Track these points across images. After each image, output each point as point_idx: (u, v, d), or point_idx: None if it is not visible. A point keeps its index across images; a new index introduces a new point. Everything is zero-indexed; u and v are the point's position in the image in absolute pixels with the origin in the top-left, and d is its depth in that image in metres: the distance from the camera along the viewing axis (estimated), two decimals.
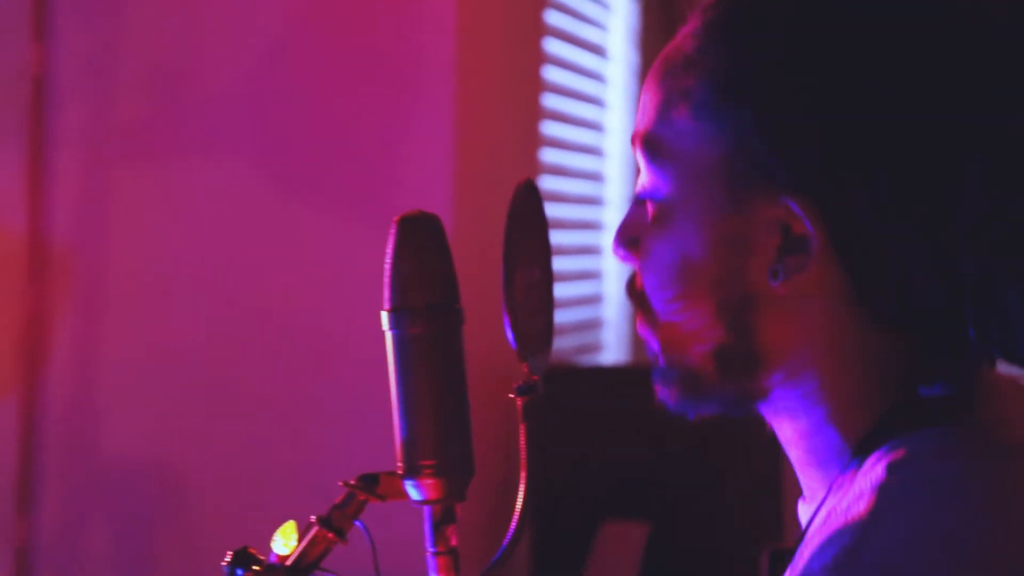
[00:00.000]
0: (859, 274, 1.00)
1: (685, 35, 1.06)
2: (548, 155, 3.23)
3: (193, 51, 2.64)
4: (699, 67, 1.04)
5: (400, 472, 1.08)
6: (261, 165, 2.62)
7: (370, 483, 1.09)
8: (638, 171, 1.09)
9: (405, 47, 2.58)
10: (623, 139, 3.87)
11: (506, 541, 1.08)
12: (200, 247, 2.64)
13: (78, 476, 2.66)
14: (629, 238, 1.09)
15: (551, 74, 3.23)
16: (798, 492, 2.80)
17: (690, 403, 1.08)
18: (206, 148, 2.63)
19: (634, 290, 1.09)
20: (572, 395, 2.76)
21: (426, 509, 1.09)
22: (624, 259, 1.10)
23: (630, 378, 3.08)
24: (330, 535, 1.09)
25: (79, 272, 2.66)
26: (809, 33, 1.01)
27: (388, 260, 1.08)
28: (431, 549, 1.09)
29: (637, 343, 3.90)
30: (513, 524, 1.07)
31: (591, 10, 3.61)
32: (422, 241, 1.08)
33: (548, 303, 1.10)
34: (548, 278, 1.10)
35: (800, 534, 1.05)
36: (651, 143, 1.06)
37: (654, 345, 1.08)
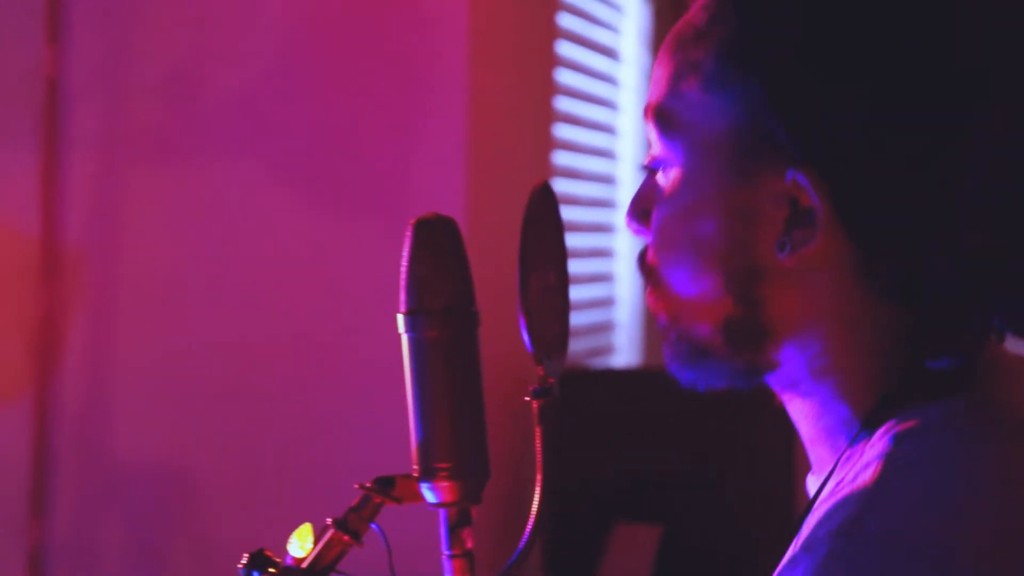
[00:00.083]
0: (865, 247, 1.00)
1: (697, 8, 1.07)
2: (560, 158, 3.23)
3: (205, 54, 2.64)
4: (709, 39, 1.04)
5: (416, 475, 1.08)
6: (274, 168, 2.62)
7: (386, 486, 1.09)
8: (650, 145, 1.10)
9: (418, 50, 2.58)
10: (635, 142, 3.87)
11: (522, 544, 1.07)
12: (212, 249, 2.64)
13: (91, 478, 2.67)
14: (641, 211, 1.10)
15: (563, 77, 3.23)
16: (800, 516, 2.78)
17: (700, 376, 1.09)
18: (219, 150, 2.63)
19: (644, 263, 1.10)
20: (584, 398, 2.76)
21: (442, 512, 1.09)
22: (636, 232, 1.11)
23: (642, 381, 3.09)
24: (346, 537, 1.09)
25: (92, 274, 2.66)
26: (818, 6, 1.01)
27: (404, 263, 1.08)
28: (447, 552, 1.09)
29: (649, 346, 3.90)
30: (529, 527, 1.07)
31: (603, 13, 3.61)
32: (438, 244, 1.08)
33: (564, 306, 1.10)
34: (564, 281, 1.10)
35: (807, 505, 1.05)
36: (662, 115, 1.07)
37: (663, 318, 1.09)
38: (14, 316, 2.65)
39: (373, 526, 1.10)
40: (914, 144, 0.98)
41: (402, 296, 1.08)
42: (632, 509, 2.78)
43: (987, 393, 1.02)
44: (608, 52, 3.67)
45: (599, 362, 3.61)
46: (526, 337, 1.07)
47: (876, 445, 0.98)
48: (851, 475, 0.98)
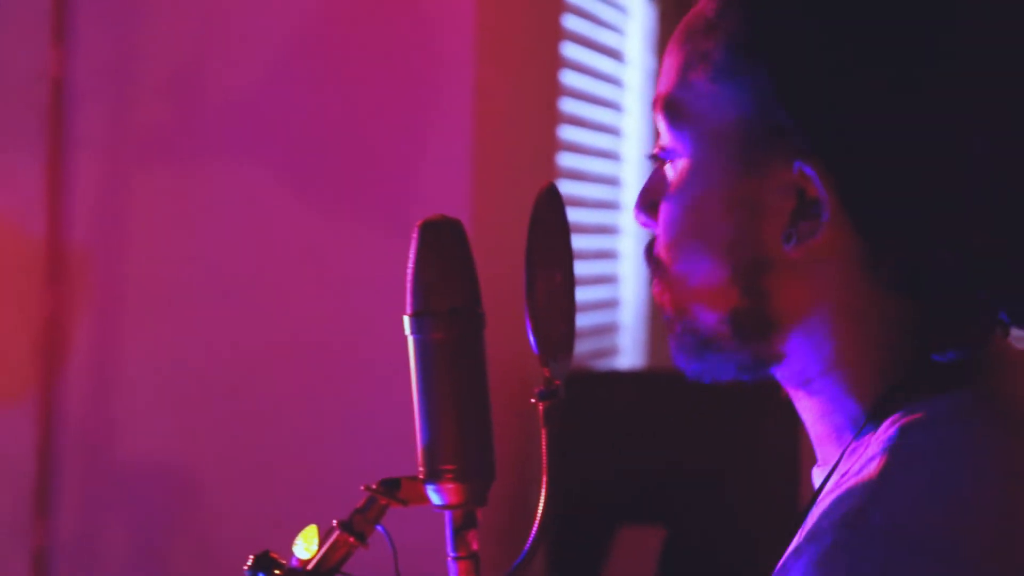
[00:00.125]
0: (872, 239, 1.01)
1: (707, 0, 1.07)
2: (565, 159, 3.23)
3: (211, 55, 2.64)
4: (718, 30, 1.05)
5: (421, 476, 1.08)
6: (279, 169, 2.62)
7: (391, 488, 1.09)
8: (658, 135, 1.10)
9: (423, 52, 2.58)
10: (640, 144, 3.87)
11: (527, 546, 1.07)
12: (217, 251, 2.64)
13: (96, 479, 2.67)
14: (649, 202, 1.10)
15: (568, 78, 3.23)
16: (805, 508, 2.78)
17: (705, 368, 1.09)
18: (224, 151, 2.63)
19: (652, 254, 1.10)
20: (588, 399, 2.76)
21: (447, 514, 1.08)
22: (644, 224, 1.11)
23: (646, 383, 3.09)
24: (351, 539, 1.09)
25: (97, 275, 2.66)
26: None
27: (410, 265, 1.08)
28: (452, 554, 1.09)
29: (653, 348, 3.90)
30: (534, 529, 1.07)
31: (608, 14, 3.61)
32: (444, 246, 1.08)
33: (570, 308, 1.10)
34: (570, 282, 1.10)
35: (812, 496, 1.05)
36: (670, 105, 1.07)
37: (669, 310, 1.09)
38: (19, 317, 2.65)
39: (379, 528, 1.10)
40: (922, 137, 0.99)
41: (408, 298, 1.08)
42: (636, 511, 2.78)
43: (992, 386, 1.02)
44: (613, 54, 3.67)
45: (603, 364, 3.61)
46: (532, 339, 1.07)
47: (882, 437, 0.99)
48: (856, 467, 0.98)
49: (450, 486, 1.07)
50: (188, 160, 2.65)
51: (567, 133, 3.23)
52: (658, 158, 1.10)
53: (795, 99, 1.01)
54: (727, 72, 1.04)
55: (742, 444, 2.76)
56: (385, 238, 2.56)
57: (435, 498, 1.08)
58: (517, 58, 2.84)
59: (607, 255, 3.69)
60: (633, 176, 3.84)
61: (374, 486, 1.10)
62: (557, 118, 3.13)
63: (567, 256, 1.10)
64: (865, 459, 0.98)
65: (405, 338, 1.09)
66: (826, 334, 1.04)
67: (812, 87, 1.00)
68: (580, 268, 3.38)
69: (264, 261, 2.63)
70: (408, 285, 1.08)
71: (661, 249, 1.08)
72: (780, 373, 1.08)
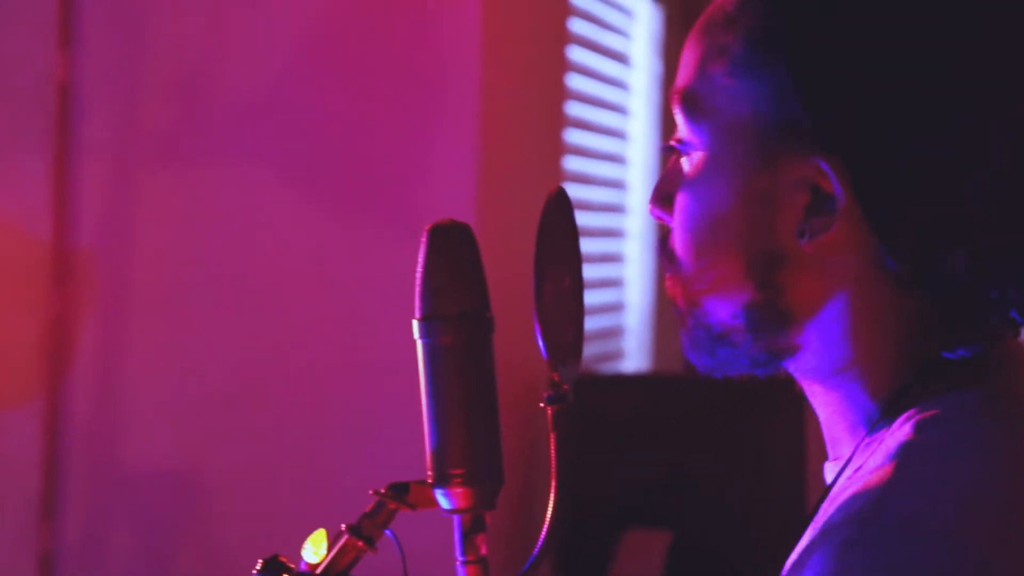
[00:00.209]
0: (885, 236, 1.01)
1: None
2: (571, 163, 3.23)
3: (217, 58, 2.64)
4: (738, 24, 1.05)
5: (430, 480, 1.08)
6: (285, 172, 2.62)
7: (400, 492, 1.09)
8: (674, 127, 1.10)
9: (429, 55, 2.58)
10: (646, 147, 3.87)
11: (536, 550, 1.07)
12: (223, 253, 2.64)
13: (102, 482, 2.67)
14: (664, 195, 1.11)
15: (575, 82, 3.23)
16: (816, 502, 2.76)
17: (717, 363, 1.09)
18: (229, 155, 2.63)
19: (667, 248, 1.10)
20: (594, 403, 2.75)
21: (456, 518, 1.08)
22: (658, 217, 1.11)
23: (652, 386, 3.09)
24: (360, 544, 1.09)
25: (103, 278, 2.66)
26: None
27: (419, 269, 1.08)
28: (461, 558, 1.08)
29: (659, 351, 3.90)
30: (543, 533, 1.07)
31: (615, 18, 3.61)
32: (453, 250, 1.08)
33: (578, 312, 1.09)
34: (578, 286, 1.10)
35: (824, 491, 1.05)
36: (688, 98, 1.08)
37: (682, 304, 1.09)
38: (25, 319, 2.65)
39: (387, 532, 1.10)
40: (939, 136, 0.99)
41: (417, 302, 1.08)
42: (641, 514, 2.78)
43: (1003, 385, 1.03)
44: (619, 57, 3.67)
45: (609, 367, 3.61)
46: (541, 343, 1.07)
47: (896, 433, 0.99)
48: (871, 462, 0.98)
49: (459, 490, 1.07)
50: (194, 163, 2.65)
51: (573, 136, 3.23)
52: (674, 150, 1.10)
53: (812, 94, 1.01)
54: (745, 66, 1.04)
55: (748, 447, 2.76)
56: (391, 241, 2.56)
57: (444, 502, 1.08)
58: (523, 62, 2.84)
59: (613, 259, 3.69)
60: (639, 179, 3.84)
61: (383, 490, 1.10)
62: (563, 121, 3.13)
63: (576, 260, 1.10)
64: (880, 455, 0.98)
65: (412, 341, 1.09)
66: (840, 329, 1.04)
67: (829, 83, 1.01)
68: (586, 271, 3.37)
69: (270, 264, 2.63)
70: (417, 289, 1.08)
71: (676, 242, 1.09)
72: (793, 367, 1.08)
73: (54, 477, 2.66)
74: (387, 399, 2.55)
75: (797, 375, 1.09)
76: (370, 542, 1.09)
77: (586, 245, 3.48)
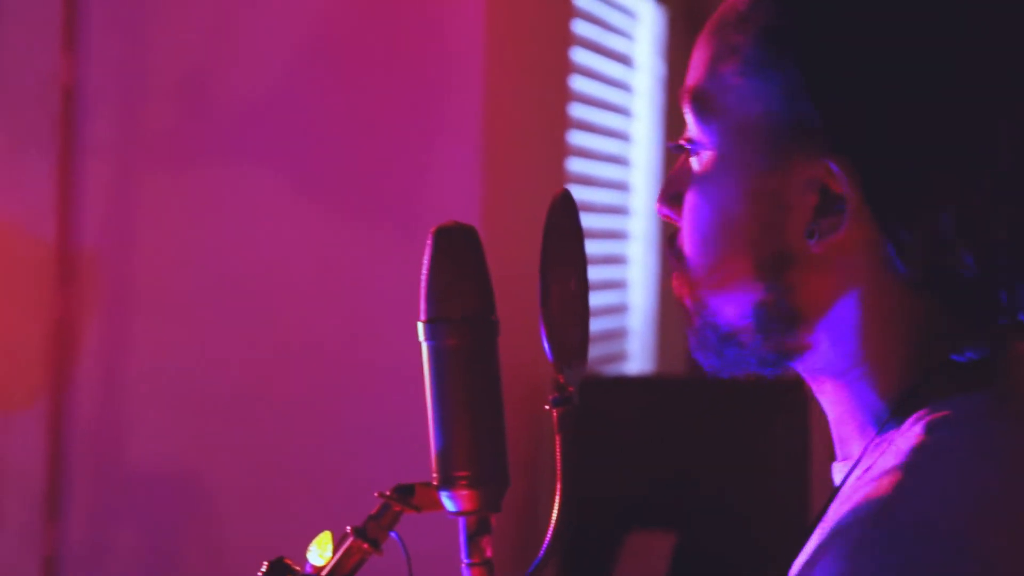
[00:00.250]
0: (894, 238, 1.01)
1: None
2: (575, 165, 3.23)
3: (221, 60, 2.64)
4: (749, 24, 1.05)
5: (435, 483, 1.08)
6: (289, 175, 2.62)
7: (405, 494, 1.09)
8: (684, 127, 1.10)
9: (433, 57, 2.58)
10: (649, 149, 3.87)
11: (541, 553, 1.07)
12: (227, 254, 2.64)
13: (106, 483, 2.67)
14: (672, 194, 1.11)
15: (578, 84, 3.24)
16: (824, 501, 2.75)
17: (724, 363, 1.09)
18: (233, 156, 2.64)
19: (675, 246, 1.10)
20: (598, 405, 2.75)
21: (461, 520, 1.08)
22: (665, 216, 1.11)
23: (655, 388, 3.09)
24: (365, 546, 1.09)
25: (107, 279, 2.66)
26: None
27: (424, 271, 1.08)
28: (466, 560, 1.08)
29: (662, 353, 3.89)
30: (548, 536, 1.07)
31: (618, 20, 3.61)
32: (459, 252, 1.08)
33: (584, 314, 1.10)
34: (584, 289, 1.10)
35: (832, 492, 1.06)
36: (698, 98, 1.08)
37: (690, 304, 1.09)
38: (29, 321, 2.65)
39: (392, 534, 1.10)
40: (949, 137, 0.99)
41: (422, 304, 1.08)
42: (645, 516, 2.78)
43: (1011, 388, 1.03)
44: (622, 59, 3.67)
45: (612, 369, 3.61)
46: (547, 345, 1.07)
47: (907, 434, 0.99)
48: (881, 462, 0.99)
49: (464, 492, 1.07)
50: (198, 165, 2.65)
51: (576, 138, 3.23)
52: (683, 149, 1.10)
53: (823, 95, 1.01)
54: (756, 66, 1.04)
55: (752, 449, 2.76)
56: (395, 243, 2.56)
57: (449, 504, 1.08)
58: (526, 64, 2.84)
59: (616, 260, 3.69)
60: (642, 181, 3.84)
61: (388, 492, 1.10)
62: (566, 123, 3.13)
63: (581, 262, 1.10)
64: (890, 455, 0.98)
65: (417, 343, 1.09)
66: (849, 328, 1.04)
67: (840, 83, 1.01)
68: (589, 273, 3.38)
69: (274, 266, 2.63)
70: (422, 291, 1.08)
71: (684, 242, 1.09)
72: (802, 367, 1.08)
73: (58, 478, 2.66)
74: (392, 401, 2.55)
75: (806, 375, 1.09)
76: (375, 544, 1.09)
77: (589, 247, 3.47)
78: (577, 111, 3.23)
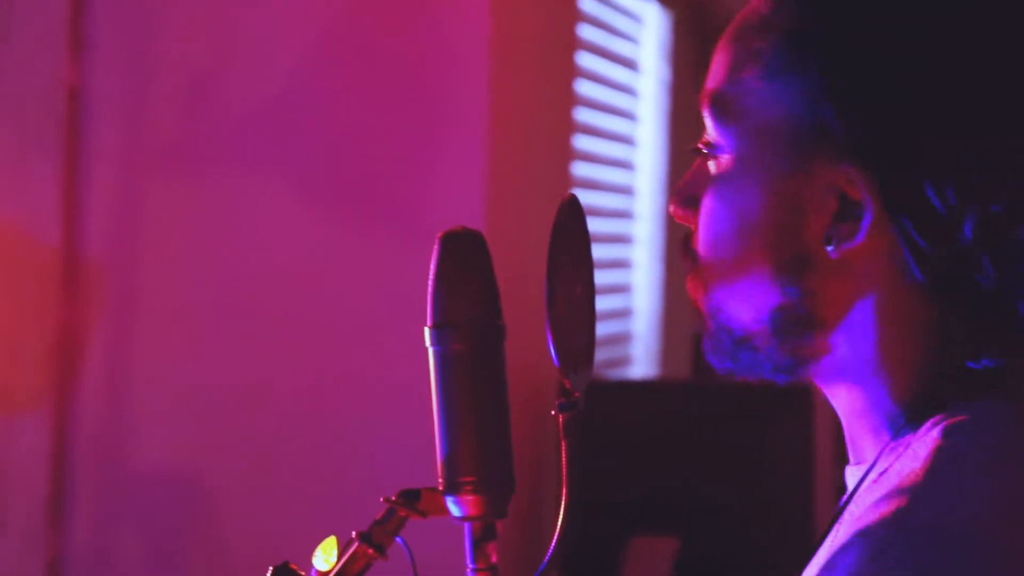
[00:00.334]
0: (912, 244, 1.01)
1: None
2: (580, 169, 3.23)
3: (226, 66, 2.64)
4: (772, 29, 1.05)
5: (441, 488, 1.08)
6: (293, 179, 2.62)
7: (411, 499, 1.09)
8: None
9: (438, 62, 2.58)
10: (654, 153, 3.87)
11: (547, 558, 1.07)
12: (232, 260, 2.64)
13: (110, 488, 2.67)
14: (687, 196, 1.11)
15: (583, 88, 3.23)
16: (828, 506, 2.77)
17: (738, 367, 1.09)
18: (239, 162, 2.64)
19: (690, 248, 1.10)
20: (601, 409, 2.75)
21: (466, 525, 1.08)
22: (680, 218, 1.11)
23: (659, 392, 3.08)
24: (370, 551, 1.09)
25: (112, 285, 2.67)
26: (883, 2, 1.02)
27: (431, 276, 1.08)
28: (471, 565, 1.08)
29: (666, 357, 3.89)
30: (554, 542, 1.07)
31: (623, 24, 3.61)
32: (465, 258, 1.08)
33: (590, 319, 1.09)
34: (590, 294, 1.09)
35: (848, 495, 1.06)
36: (718, 101, 1.08)
37: (704, 307, 1.09)
38: (34, 326, 2.65)
39: (398, 540, 1.10)
40: (972, 148, 0.99)
41: (429, 309, 1.08)
42: (649, 520, 2.78)
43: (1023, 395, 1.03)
44: (628, 63, 3.67)
45: (616, 373, 3.61)
46: (553, 350, 1.07)
47: (924, 438, 0.99)
48: (898, 466, 0.99)
49: (470, 498, 1.07)
50: (203, 170, 2.65)
51: (581, 143, 3.23)
52: (701, 152, 1.10)
53: (845, 101, 1.01)
54: (778, 70, 1.04)
55: (755, 454, 2.76)
56: (401, 248, 2.56)
57: (455, 510, 1.08)
58: (532, 68, 2.84)
59: (621, 264, 3.69)
60: (647, 185, 3.84)
61: (393, 497, 1.09)
62: (571, 128, 3.13)
63: (588, 267, 1.09)
64: (907, 458, 0.99)
65: (422, 348, 1.09)
66: (865, 333, 1.04)
67: (863, 90, 1.01)
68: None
69: (279, 270, 2.63)
70: (429, 296, 1.08)
71: (701, 244, 1.09)
72: (816, 372, 1.08)
73: (62, 482, 2.66)
74: (397, 406, 2.55)
75: (819, 379, 1.09)
76: (381, 549, 1.09)
77: (594, 251, 3.48)
78: (582, 115, 3.23)
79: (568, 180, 3.09)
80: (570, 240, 1.08)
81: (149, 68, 2.66)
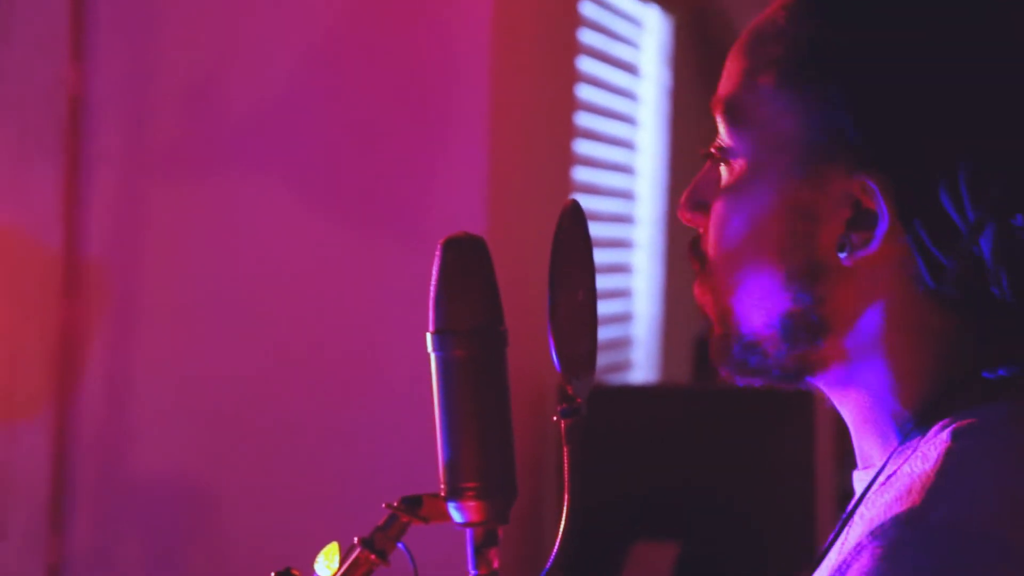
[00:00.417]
0: (927, 254, 1.01)
1: (777, 7, 1.08)
2: (580, 173, 3.23)
3: (228, 70, 2.64)
4: (789, 38, 1.06)
5: (443, 494, 1.08)
6: (294, 184, 2.62)
7: (413, 505, 1.09)
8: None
9: (439, 64, 2.58)
10: (655, 158, 3.87)
11: (548, 565, 1.07)
12: (233, 264, 2.64)
13: (111, 492, 2.67)
14: (697, 200, 1.11)
15: (584, 92, 3.24)
16: (830, 511, 2.77)
17: (746, 372, 1.09)
18: (240, 166, 2.64)
19: (698, 251, 1.10)
20: (602, 414, 2.74)
21: (468, 531, 1.08)
22: (688, 222, 1.11)
23: (659, 397, 3.08)
24: (372, 557, 1.09)
25: (113, 288, 2.66)
26: (904, 13, 1.02)
27: (433, 282, 1.08)
28: (473, 571, 1.08)
29: (667, 362, 3.89)
30: (556, 548, 1.07)
31: (624, 29, 3.61)
32: (467, 263, 1.07)
33: (592, 325, 1.10)
34: (592, 300, 1.10)
35: (857, 499, 1.06)
36: (733, 107, 1.08)
37: (713, 311, 1.09)
38: (35, 329, 2.65)
39: (400, 545, 1.10)
40: (985, 155, 0.99)
41: (431, 315, 1.08)
42: (649, 526, 2.78)
43: None
44: (628, 68, 3.67)
45: (617, 378, 3.61)
46: (555, 357, 1.07)
47: (933, 440, 1.00)
48: (907, 468, 0.99)
49: (471, 504, 1.07)
50: (204, 174, 2.65)
51: (582, 147, 3.23)
52: (712, 156, 1.10)
53: (864, 112, 1.02)
54: (795, 79, 1.05)
55: (756, 459, 2.76)
56: (402, 252, 2.56)
57: (456, 516, 1.08)
58: (532, 72, 2.84)
59: (621, 269, 3.69)
60: (647, 190, 3.84)
61: (395, 503, 1.09)
62: (572, 132, 3.13)
63: (590, 274, 1.10)
64: (919, 460, 0.99)
65: (423, 353, 1.09)
66: (875, 340, 1.05)
67: (881, 101, 1.01)
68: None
69: (280, 274, 2.63)
70: (431, 302, 1.08)
71: (711, 249, 1.09)
72: (826, 377, 1.08)
73: (62, 487, 2.66)
74: (399, 411, 2.55)
75: (827, 385, 1.09)
76: (383, 555, 1.09)
77: (594, 256, 3.48)
78: (583, 120, 3.23)
79: (568, 184, 3.09)
80: (572, 246, 1.08)
81: (150, 70, 2.66)
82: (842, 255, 1.03)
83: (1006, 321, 1.01)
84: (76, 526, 2.66)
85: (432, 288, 1.08)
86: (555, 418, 1.08)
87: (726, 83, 1.09)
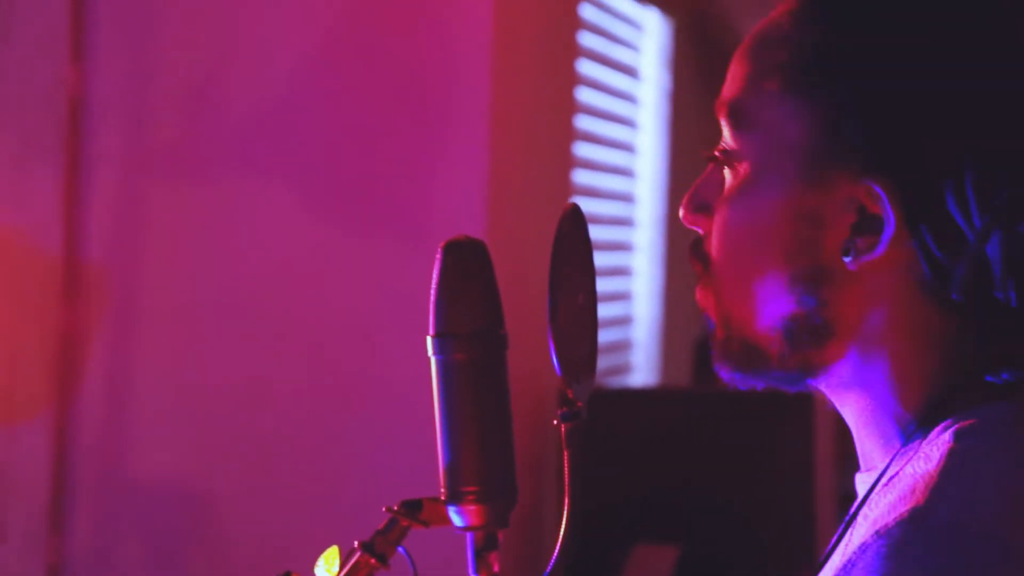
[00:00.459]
0: (932, 260, 1.01)
1: (783, 12, 1.08)
2: (580, 176, 3.23)
3: (228, 72, 2.64)
4: (794, 43, 1.06)
5: (443, 498, 1.08)
6: (294, 186, 2.62)
7: (413, 509, 1.09)
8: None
9: (439, 67, 2.58)
10: (655, 160, 3.87)
11: (550, 566, 1.07)
12: (233, 267, 2.64)
13: (110, 495, 2.67)
14: (700, 203, 1.11)
15: (584, 95, 3.24)
16: (830, 513, 2.77)
17: (748, 375, 1.09)
18: (240, 168, 2.64)
19: (701, 253, 1.10)
20: (602, 417, 2.75)
21: (468, 535, 1.08)
22: (690, 224, 1.11)
23: (659, 400, 3.08)
24: (373, 561, 1.09)
25: (113, 291, 2.66)
26: (910, 19, 1.02)
27: (433, 285, 1.08)
28: (473, 575, 1.08)
29: (667, 364, 3.89)
30: (556, 552, 1.07)
31: (624, 32, 3.61)
32: (467, 267, 1.07)
33: (592, 328, 1.10)
34: (592, 303, 1.10)
35: (860, 500, 1.06)
36: (737, 111, 1.08)
37: (715, 314, 1.09)
38: (35, 332, 2.65)
39: (400, 549, 1.10)
40: (991, 161, 0.99)
41: (431, 319, 1.08)
42: (649, 529, 2.78)
43: None
44: (628, 71, 3.67)
45: (616, 381, 3.61)
46: (555, 360, 1.07)
47: (935, 441, 1.00)
48: (910, 468, 0.99)
49: (472, 508, 1.07)
50: (204, 175, 2.65)
51: (582, 150, 3.23)
52: (715, 159, 1.10)
53: (870, 117, 1.02)
54: (800, 84, 1.05)
55: (756, 461, 2.76)
56: (401, 255, 2.56)
57: (457, 520, 1.08)
58: (533, 75, 2.84)
59: (621, 272, 3.69)
60: (647, 193, 3.84)
61: (395, 507, 1.09)
62: (572, 135, 3.13)
63: (590, 277, 1.10)
64: (921, 461, 0.99)
65: (425, 357, 1.08)
66: (878, 343, 1.05)
67: (888, 107, 1.01)
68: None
69: (280, 277, 2.63)
70: (431, 305, 1.08)
71: (715, 252, 1.09)
72: (828, 380, 1.08)
73: (62, 489, 2.66)
74: (399, 414, 2.55)
75: (829, 388, 1.09)
76: (383, 559, 1.09)
77: (594, 259, 3.48)
78: (583, 123, 3.23)
79: (568, 187, 3.09)
80: (572, 250, 1.08)
81: (150, 71, 2.66)
82: (847, 259, 1.03)
83: (1009, 324, 1.02)
84: (76, 527, 2.66)
85: (432, 291, 1.08)
86: (555, 421, 1.08)
87: (730, 86, 1.09)
